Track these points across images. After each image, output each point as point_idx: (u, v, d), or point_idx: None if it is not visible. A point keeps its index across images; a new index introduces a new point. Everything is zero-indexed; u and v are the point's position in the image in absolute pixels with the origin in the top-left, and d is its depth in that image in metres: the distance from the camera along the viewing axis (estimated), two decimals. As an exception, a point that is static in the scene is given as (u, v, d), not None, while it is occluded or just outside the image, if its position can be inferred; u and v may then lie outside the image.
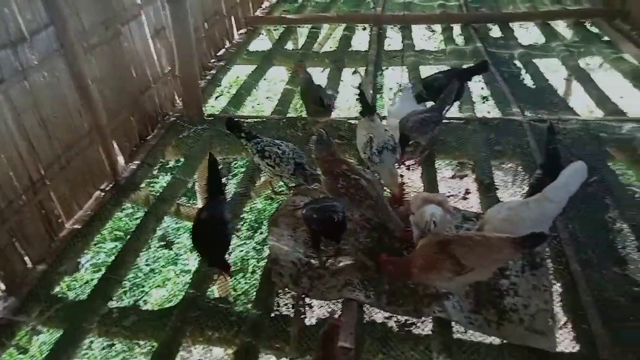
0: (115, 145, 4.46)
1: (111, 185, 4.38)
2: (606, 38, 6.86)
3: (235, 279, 6.68)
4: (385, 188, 3.97)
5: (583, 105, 5.93)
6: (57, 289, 3.76)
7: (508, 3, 8.75)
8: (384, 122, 4.63)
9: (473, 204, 4.23)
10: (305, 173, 3.81)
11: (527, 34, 8.06)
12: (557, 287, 3.16)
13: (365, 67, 6.47)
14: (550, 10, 7.97)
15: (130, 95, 4.84)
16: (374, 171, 3.94)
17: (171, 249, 7.40)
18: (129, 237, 4.02)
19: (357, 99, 4.19)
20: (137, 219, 4.81)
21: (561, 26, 7.71)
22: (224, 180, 7.14)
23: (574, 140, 4.54)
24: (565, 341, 2.87)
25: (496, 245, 2.68)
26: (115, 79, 4.60)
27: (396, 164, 3.94)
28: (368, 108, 4.05)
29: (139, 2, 4.97)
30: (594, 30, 7.26)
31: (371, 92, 5.51)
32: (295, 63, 4.93)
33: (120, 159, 4.52)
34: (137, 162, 4.67)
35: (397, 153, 3.91)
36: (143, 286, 6.87)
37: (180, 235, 7.62)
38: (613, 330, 2.85)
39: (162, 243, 7.34)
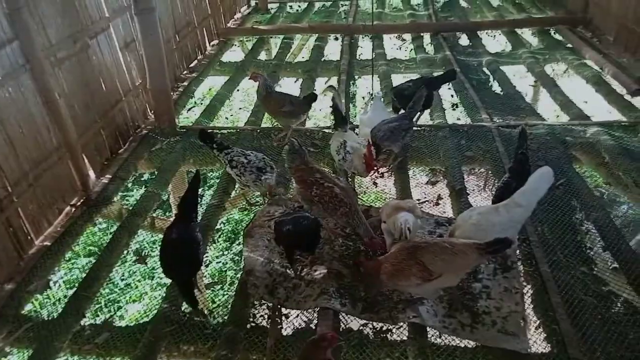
0: (85, 160, 4.40)
1: (82, 200, 4.31)
2: (569, 45, 7.10)
3: (213, 290, 6.62)
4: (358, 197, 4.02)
5: (549, 111, 6.10)
6: (27, 307, 3.67)
7: (476, 12, 9.00)
8: (356, 130, 4.72)
9: (446, 209, 4.30)
10: (263, 178, 3.82)
11: (495, 42, 8.27)
12: (527, 289, 3.23)
13: (337, 77, 6.54)
14: (516, 19, 8.21)
15: (100, 109, 4.79)
16: (348, 168, 4.01)
17: (146, 263, 7.28)
18: (102, 252, 3.96)
19: (331, 112, 4.28)
20: (111, 233, 4.75)
21: (527, 34, 7.94)
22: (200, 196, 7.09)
23: (540, 145, 4.66)
24: (537, 342, 2.93)
25: (462, 251, 2.73)
26: (84, 93, 4.55)
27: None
28: (341, 120, 4.17)
29: (107, 15, 4.93)
30: (558, 37, 7.50)
31: (343, 101, 5.55)
32: (251, 73, 4.87)
33: (91, 174, 4.46)
34: (108, 176, 4.61)
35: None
36: (119, 301, 6.73)
37: (155, 248, 7.51)
38: (582, 329, 2.92)
39: (136, 257, 7.21)
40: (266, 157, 4.01)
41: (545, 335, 2.95)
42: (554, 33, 7.65)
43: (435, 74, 6.25)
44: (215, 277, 7.01)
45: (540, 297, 3.14)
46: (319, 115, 9.27)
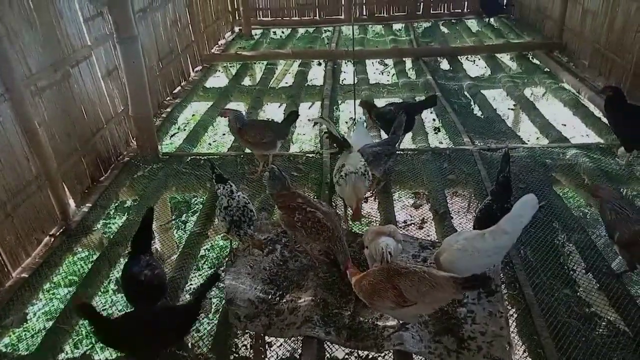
0: (65, 189, 4.33)
1: (62, 230, 4.23)
2: (547, 69, 7.28)
3: (197, 320, 6.48)
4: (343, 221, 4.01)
5: (529, 133, 6.20)
6: (4, 342, 3.55)
7: (456, 38, 9.20)
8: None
9: (430, 232, 4.30)
10: (239, 233, 3.58)
11: (475, 66, 8.45)
12: (512, 313, 3.22)
13: (321, 102, 6.61)
14: (495, 44, 8.43)
15: (81, 137, 4.75)
16: (340, 192, 3.99)
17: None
18: (82, 282, 3.87)
19: (330, 142, 4.38)
20: (92, 262, 4.69)
21: (506, 58, 8.13)
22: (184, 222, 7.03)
23: (521, 167, 4.72)
24: (522, 366, 2.91)
25: (440, 284, 2.74)
26: (65, 121, 4.51)
27: (365, 189, 3.99)
28: (343, 144, 4.14)
29: (90, 43, 4.94)
30: (536, 61, 7.69)
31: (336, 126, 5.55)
32: (221, 110, 4.85)
33: (71, 203, 4.39)
34: (89, 204, 4.54)
35: (367, 180, 3.96)
36: (100, 333, 6.55)
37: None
38: (566, 352, 2.91)
39: (117, 287, 7.00)
40: (249, 203, 3.76)
41: (530, 359, 2.93)
42: (532, 58, 7.85)
43: (417, 98, 6.36)
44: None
45: (525, 320, 3.14)
46: (304, 138, 9.30)
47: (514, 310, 3.24)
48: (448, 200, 4.44)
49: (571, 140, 5.34)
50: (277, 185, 3.62)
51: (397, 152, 4.77)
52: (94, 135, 4.95)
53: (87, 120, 4.85)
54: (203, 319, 6.34)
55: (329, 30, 10.22)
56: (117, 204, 6.58)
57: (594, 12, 6.88)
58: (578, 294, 3.41)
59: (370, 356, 3.04)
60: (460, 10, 10.62)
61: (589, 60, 6.97)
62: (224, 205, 3.65)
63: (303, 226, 3.41)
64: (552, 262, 3.64)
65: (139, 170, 5.07)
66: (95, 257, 4.36)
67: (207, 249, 7.50)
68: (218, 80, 8.42)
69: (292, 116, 4.90)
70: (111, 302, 7.01)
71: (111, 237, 4.35)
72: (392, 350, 2.99)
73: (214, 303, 6.94)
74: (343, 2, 10.52)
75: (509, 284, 3.43)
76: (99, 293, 4.18)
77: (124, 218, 7.38)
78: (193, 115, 7.86)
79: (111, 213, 7.32)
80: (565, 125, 5.88)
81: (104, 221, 6.95)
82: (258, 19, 10.76)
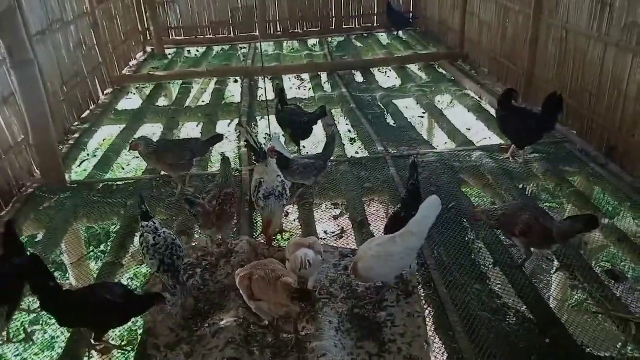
0: (-42, 227, 3.96)
1: (-44, 273, 3.85)
2: (452, 77, 7.74)
3: (123, 353, 6.14)
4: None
5: (439, 139, 6.54)
6: None
7: (368, 51, 9.54)
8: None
9: (350, 241, 4.39)
10: (174, 276, 3.33)
11: (386, 77, 8.79)
12: (429, 312, 3.36)
13: (239, 118, 6.58)
14: (404, 56, 8.84)
15: (-24, 170, 4.39)
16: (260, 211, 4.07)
17: (33, 340, 6.43)
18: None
19: (247, 149, 4.50)
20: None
21: (414, 69, 8.55)
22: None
23: (432, 171, 4.96)
24: (440, 362, 3.04)
25: (281, 286, 2.92)
26: (-47, 154, 4.16)
27: (283, 209, 4.03)
28: (258, 155, 4.17)
29: (-21, 70, 4.60)
30: (441, 71, 8.16)
31: (256, 137, 5.58)
32: (131, 145, 4.76)
33: (-34, 242, 4.02)
34: (-13, 243, 4.17)
35: (285, 199, 3.97)
36: (13, 382, 6.01)
37: (50, 319, 6.86)
38: (479, 344, 3.07)
39: (23, 332, 6.31)
40: (176, 241, 3.46)
41: (447, 355, 3.07)
42: (438, 67, 8.31)
43: (333, 111, 6.52)
44: (125, 338, 6.52)
45: (440, 318, 3.28)
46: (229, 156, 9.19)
47: (430, 309, 3.38)
48: (366, 208, 4.56)
49: (476, 143, 5.69)
50: (202, 207, 3.66)
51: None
52: (-9, 167, 4.59)
53: (-19, 152, 4.50)
54: (130, 352, 6.05)
55: (244, 48, 10.23)
56: (26, 239, 6.13)
57: (489, 24, 7.44)
58: (489, 287, 3.61)
59: (296, 371, 3.03)
60: (371, 25, 11.04)
61: (488, 68, 7.51)
62: (151, 243, 3.36)
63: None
64: (463, 259, 3.84)
65: (45, 202, 4.76)
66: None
67: (130, 277, 7.17)
68: (131, 102, 8.13)
69: (216, 139, 4.96)
70: (25, 346, 6.49)
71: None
72: (316, 362, 3.00)
73: (140, 334, 6.63)
74: (257, 19, 10.58)
75: (424, 284, 3.57)
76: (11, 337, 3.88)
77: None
78: (104, 139, 7.52)
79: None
80: (470, 129, 6.26)
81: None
82: (171, 38, 10.56)
